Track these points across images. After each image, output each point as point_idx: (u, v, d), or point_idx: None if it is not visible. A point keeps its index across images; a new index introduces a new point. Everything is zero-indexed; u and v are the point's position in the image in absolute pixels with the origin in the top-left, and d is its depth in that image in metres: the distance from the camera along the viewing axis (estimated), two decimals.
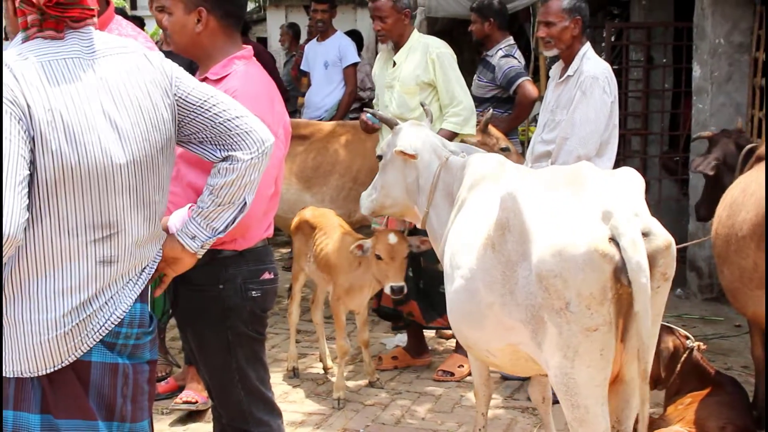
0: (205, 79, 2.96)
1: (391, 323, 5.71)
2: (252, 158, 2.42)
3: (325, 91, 7.97)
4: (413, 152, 3.90)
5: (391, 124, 4.17)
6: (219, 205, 2.44)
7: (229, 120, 2.42)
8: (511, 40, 6.09)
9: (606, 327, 2.85)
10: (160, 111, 2.33)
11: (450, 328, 5.12)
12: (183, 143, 2.49)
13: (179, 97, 2.38)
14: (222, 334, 2.95)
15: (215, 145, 2.43)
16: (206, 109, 2.41)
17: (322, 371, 5.28)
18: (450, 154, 3.93)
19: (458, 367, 5.00)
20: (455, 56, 5.13)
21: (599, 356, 2.89)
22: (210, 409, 3.30)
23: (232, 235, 2.82)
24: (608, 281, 2.81)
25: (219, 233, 2.51)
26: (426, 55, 5.00)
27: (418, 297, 5.12)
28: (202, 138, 2.44)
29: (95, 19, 2.31)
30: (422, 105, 4.60)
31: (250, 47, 3.05)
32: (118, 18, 3.79)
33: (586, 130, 4.41)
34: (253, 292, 2.96)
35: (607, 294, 2.82)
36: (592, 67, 4.52)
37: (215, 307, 2.93)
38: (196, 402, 4.52)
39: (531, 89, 5.78)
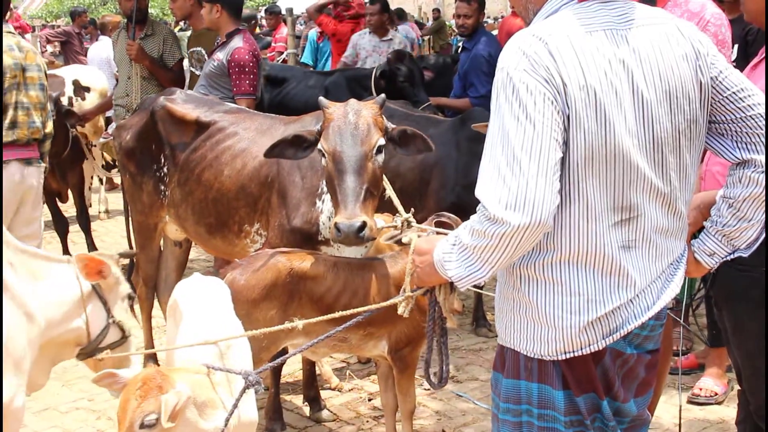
0: None
1: None
2: None
3: None
4: None
5: None
6: (740, 220, 2.21)
7: (760, 116, 2.14)
8: None
9: None
10: (687, 89, 2.10)
11: None
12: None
13: (713, 77, 2.14)
14: (760, 318, 2.85)
15: (736, 142, 2.18)
16: (740, 98, 2.15)
17: None
18: None
19: None
20: None
21: None
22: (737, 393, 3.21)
23: None
24: None
25: (739, 252, 2.28)
26: None
27: None
28: (724, 131, 2.19)
29: None
30: None
31: None
32: None
33: None
34: None
35: None
36: None
37: (756, 289, 2.83)
38: (716, 394, 4.41)
39: None
